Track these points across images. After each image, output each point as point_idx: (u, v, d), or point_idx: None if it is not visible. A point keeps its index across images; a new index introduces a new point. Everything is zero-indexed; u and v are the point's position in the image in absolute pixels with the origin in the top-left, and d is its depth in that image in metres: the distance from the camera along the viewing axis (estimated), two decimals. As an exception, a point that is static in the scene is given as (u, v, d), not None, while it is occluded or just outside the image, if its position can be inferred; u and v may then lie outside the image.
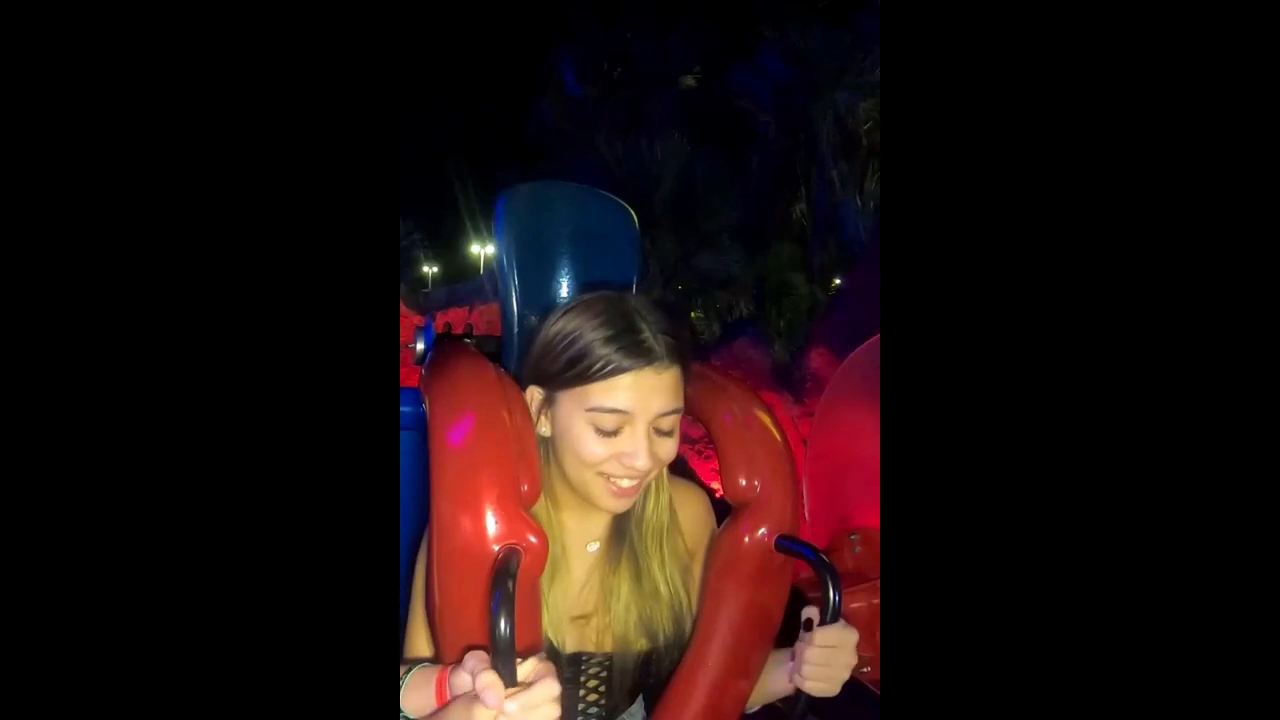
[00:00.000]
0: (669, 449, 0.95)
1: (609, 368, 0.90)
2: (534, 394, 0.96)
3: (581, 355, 0.91)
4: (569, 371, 0.92)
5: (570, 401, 0.92)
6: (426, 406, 0.94)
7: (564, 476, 0.97)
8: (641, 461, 0.91)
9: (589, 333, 0.91)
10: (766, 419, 1.08)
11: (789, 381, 5.69)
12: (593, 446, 0.91)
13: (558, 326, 0.94)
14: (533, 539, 0.84)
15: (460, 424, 0.89)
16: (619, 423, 0.91)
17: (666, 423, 0.93)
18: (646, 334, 0.91)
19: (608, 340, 0.90)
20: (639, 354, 0.90)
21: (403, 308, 5.46)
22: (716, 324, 6.17)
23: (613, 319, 0.92)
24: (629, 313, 0.93)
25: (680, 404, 0.94)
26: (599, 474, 0.93)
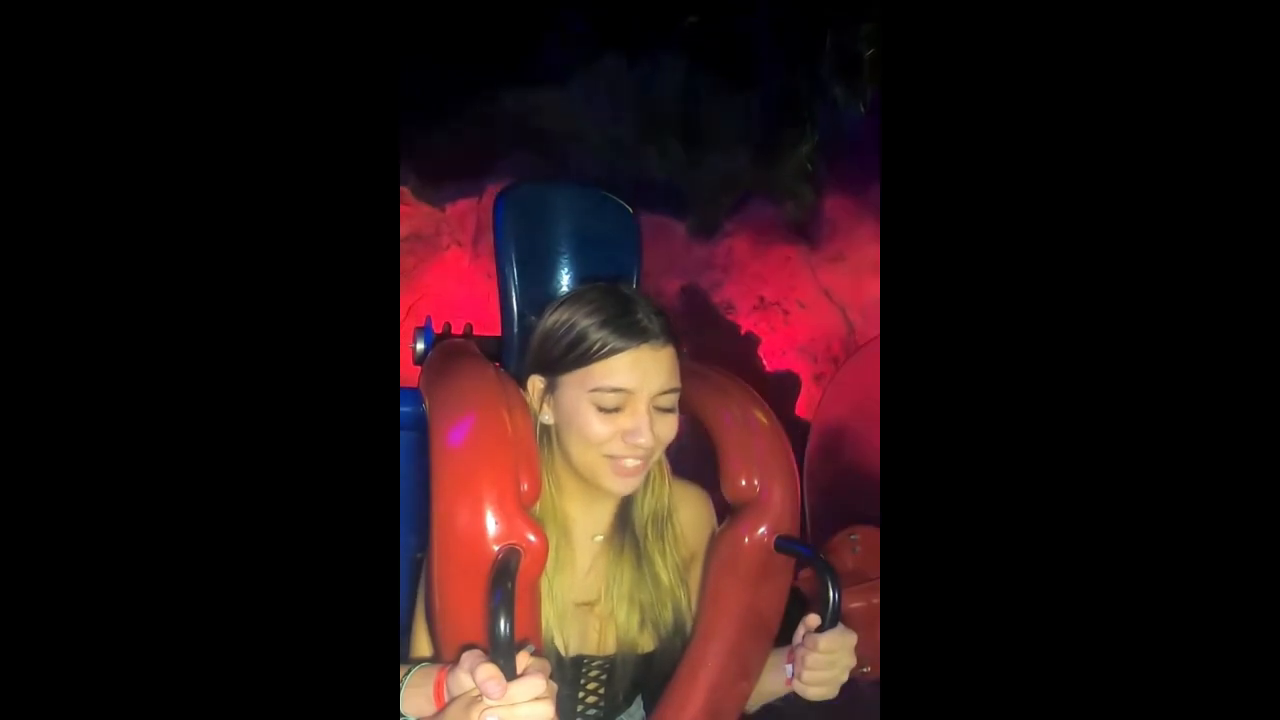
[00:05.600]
0: (669, 426, 0.97)
1: (607, 348, 0.94)
2: (535, 383, 0.99)
3: (580, 339, 0.95)
4: (569, 355, 0.95)
5: (572, 385, 0.95)
6: (426, 406, 0.94)
7: (569, 463, 0.99)
8: (644, 438, 0.94)
9: (585, 318, 0.96)
10: (766, 419, 1.09)
11: (805, 233, 5.63)
12: (597, 426, 0.94)
13: (555, 316, 0.99)
14: (532, 539, 0.85)
15: (460, 424, 0.89)
16: (621, 401, 0.94)
17: (666, 400, 0.97)
18: (640, 314, 0.96)
19: (604, 323, 0.95)
20: (635, 333, 0.94)
21: (413, 200, 5.30)
22: (723, 216, 6.03)
23: (606, 304, 0.97)
24: (622, 298, 0.98)
25: (678, 383, 0.98)
26: (604, 455, 0.95)
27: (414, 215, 5.37)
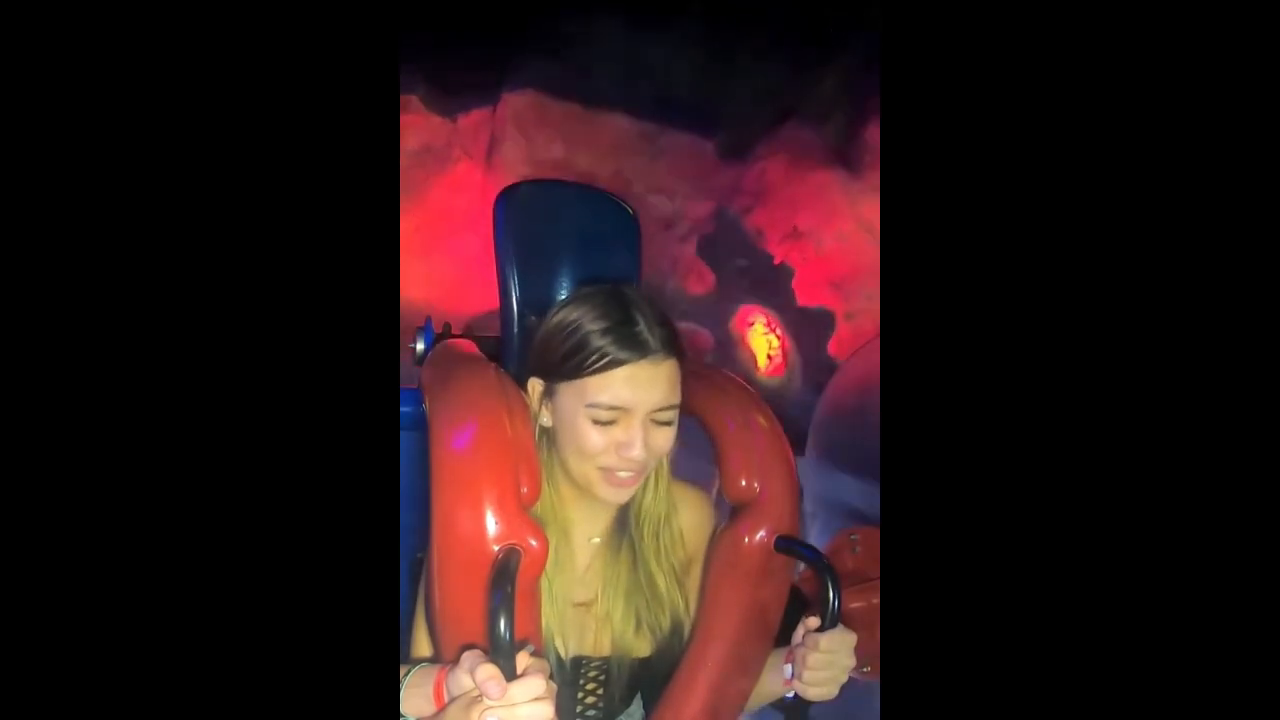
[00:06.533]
0: (666, 439, 0.96)
1: (605, 360, 0.92)
2: (535, 386, 0.98)
3: (579, 347, 0.93)
4: (567, 363, 0.93)
5: (569, 394, 0.94)
6: (427, 406, 0.94)
7: (565, 468, 0.98)
8: (637, 452, 0.93)
9: (587, 324, 0.93)
10: (766, 420, 1.09)
11: (845, 160, 5.13)
12: (592, 438, 0.93)
13: (558, 319, 0.96)
14: (532, 539, 0.85)
15: (461, 424, 0.89)
16: (616, 416, 0.93)
17: (664, 415, 0.95)
18: (642, 326, 0.93)
19: (604, 332, 0.92)
20: (634, 346, 0.92)
21: (422, 109, 4.89)
22: (756, 137, 5.48)
23: (609, 310, 0.94)
24: (626, 304, 0.95)
25: (677, 398, 0.96)
26: (598, 466, 0.95)
27: (423, 127, 4.85)
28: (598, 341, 0.92)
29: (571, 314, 0.95)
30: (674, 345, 0.95)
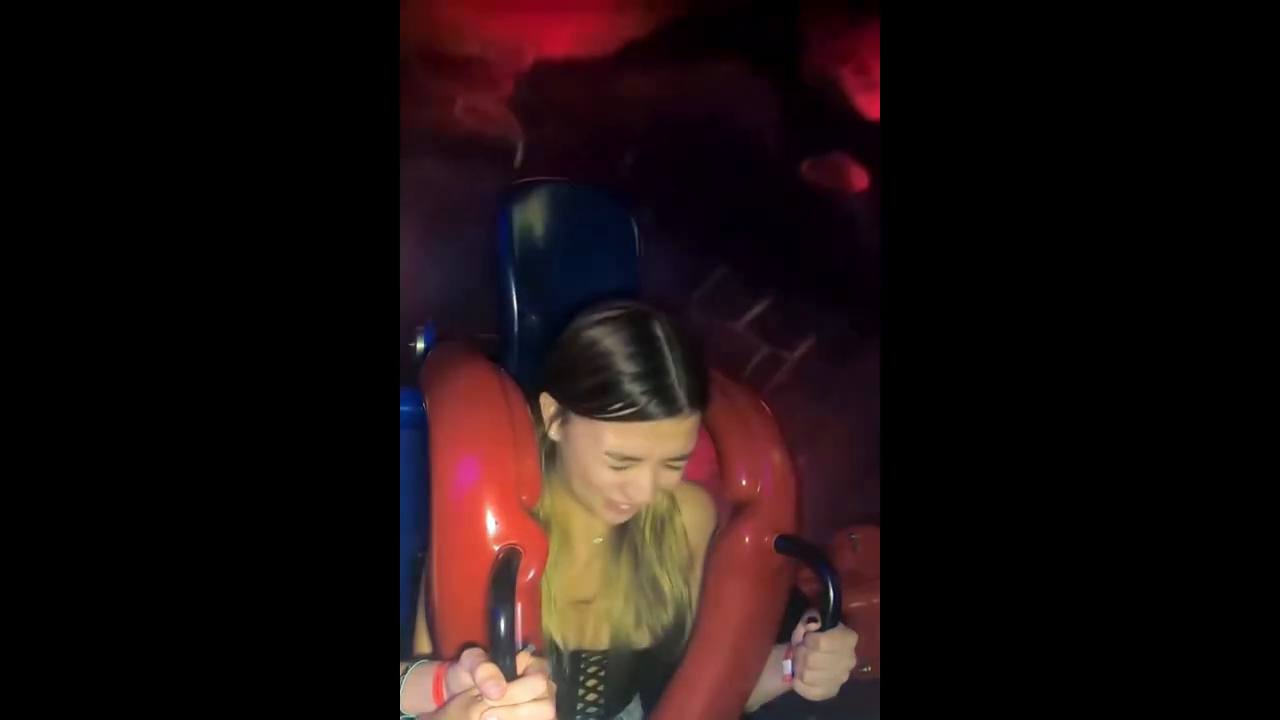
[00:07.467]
0: (674, 479, 0.95)
1: (631, 411, 0.88)
2: (548, 402, 0.96)
3: (605, 388, 0.89)
4: (589, 401, 0.90)
5: (585, 429, 0.92)
6: (427, 406, 0.94)
7: (568, 483, 0.98)
8: (645, 496, 0.92)
9: (618, 363, 0.89)
10: (767, 420, 1.09)
11: None
12: (603, 475, 0.92)
13: (584, 340, 0.92)
14: (533, 539, 0.85)
15: (461, 424, 0.89)
16: (630, 463, 0.91)
17: (678, 461, 0.94)
18: (673, 377, 0.89)
19: (636, 378, 0.88)
20: (664, 403, 0.88)
21: None
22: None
23: (641, 349, 0.89)
24: (659, 346, 0.90)
25: (692, 447, 0.93)
26: (604, 496, 0.94)
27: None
28: (628, 387, 0.88)
29: (601, 342, 0.90)
30: (701, 398, 0.91)
